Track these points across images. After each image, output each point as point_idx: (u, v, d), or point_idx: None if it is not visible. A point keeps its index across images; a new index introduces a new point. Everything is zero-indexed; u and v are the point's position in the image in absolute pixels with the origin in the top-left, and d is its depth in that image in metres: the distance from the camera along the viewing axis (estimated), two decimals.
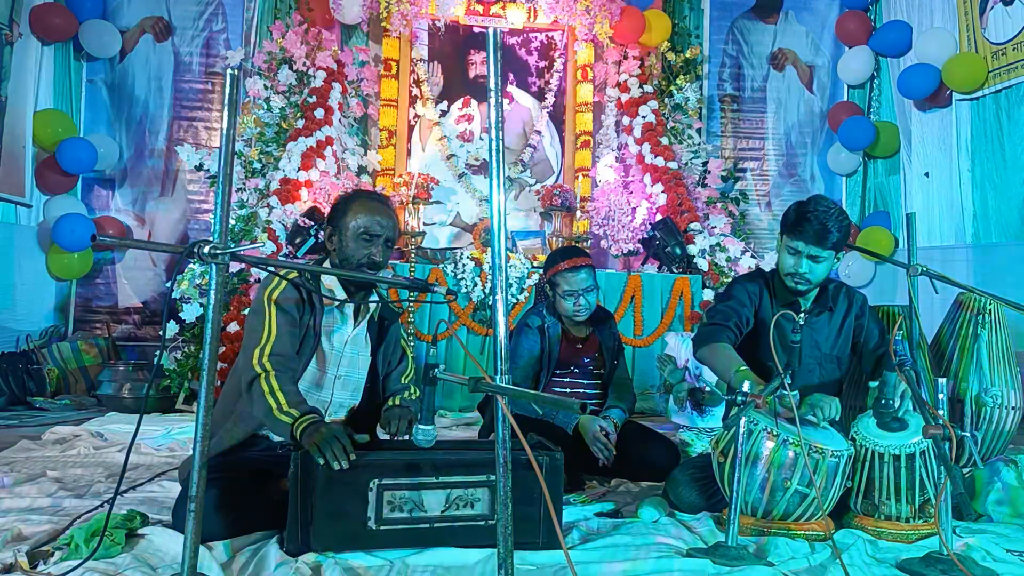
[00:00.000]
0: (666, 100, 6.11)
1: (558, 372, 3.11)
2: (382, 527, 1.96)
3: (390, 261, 2.68)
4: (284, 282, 2.18)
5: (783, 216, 2.57)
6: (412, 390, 2.47)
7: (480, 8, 6.05)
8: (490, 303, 3.18)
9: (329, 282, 2.29)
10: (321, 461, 1.89)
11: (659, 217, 5.50)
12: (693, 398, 3.42)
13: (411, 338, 4.82)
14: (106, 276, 5.87)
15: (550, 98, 6.13)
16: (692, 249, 5.35)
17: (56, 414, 4.47)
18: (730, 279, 3.65)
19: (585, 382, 3.16)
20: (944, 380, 2.10)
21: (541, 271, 3.15)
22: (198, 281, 4.61)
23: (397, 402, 2.42)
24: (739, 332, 2.54)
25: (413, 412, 2.32)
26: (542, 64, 6.16)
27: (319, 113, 5.44)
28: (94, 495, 2.53)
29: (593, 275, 3.07)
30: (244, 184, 5.36)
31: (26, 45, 5.39)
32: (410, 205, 5.26)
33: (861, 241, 5.99)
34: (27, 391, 4.87)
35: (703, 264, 5.31)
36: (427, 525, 1.99)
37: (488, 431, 3.15)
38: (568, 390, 3.11)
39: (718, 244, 5.43)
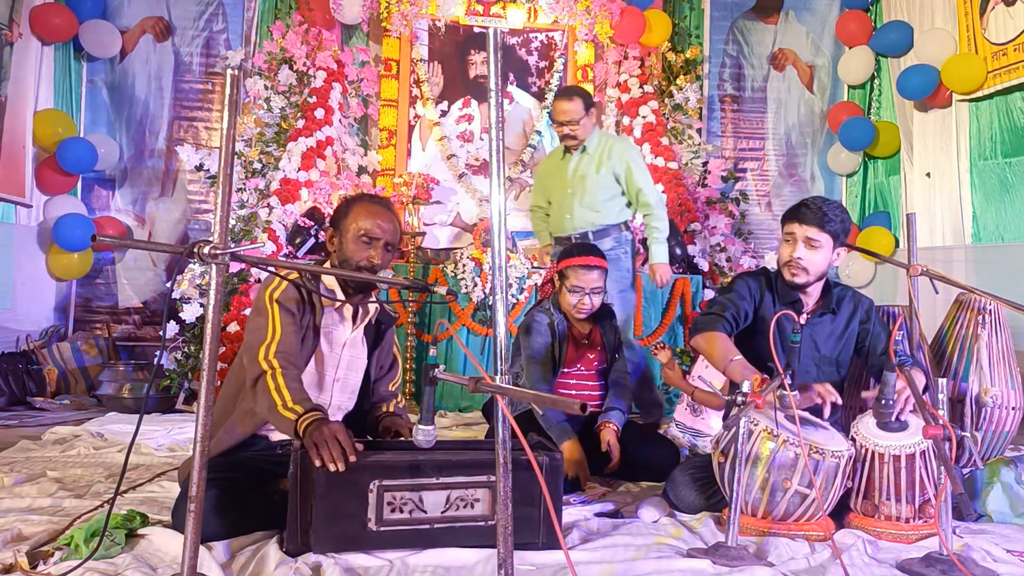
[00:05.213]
0: (666, 100, 6.11)
1: (564, 371, 3.11)
2: (382, 528, 1.95)
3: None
4: (284, 282, 2.18)
5: (784, 213, 2.58)
6: (400, 399, 2.47)
7: (480, 8, 6.05)
8: (490, 303, 3.18)
9: (329, 282, 2.29)
10: (318, 463, 1.89)
11: None
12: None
13: (411, 338, 4.82)
14: (106, 276, 5.87)
15: (550, 98, 6.13)
16: (692, 249, 5.34)
17: (56, 414, 4.47)
18: (730, 279, 3.65)
19: (590, 383, 3.16)
20: (944, 380, 2.10)
21: (553, 259, 3.12)
22: (198, 281, 4.61)
23: (390, 408, 2.41)
24: (735, 324, 2.55)
25: (407, 420, 2.32)
26: (542, 64, 6.16)
27: (319, 113, 5.44)
28: (94, 495, 2.53)
29: (604, 279, 3.05)
30: (244, 184, 5.36)
31: (26, 45, 5.39)
32: (410, 205, 5.26)
33: (861, 241, 5.98)
34: (27, 391, 4.87)
35: (703, 264, 5.31)
36: (427, 526, 1.99)
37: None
38: (574, 392, 3.12)
39: (718, 244, 5.43)
